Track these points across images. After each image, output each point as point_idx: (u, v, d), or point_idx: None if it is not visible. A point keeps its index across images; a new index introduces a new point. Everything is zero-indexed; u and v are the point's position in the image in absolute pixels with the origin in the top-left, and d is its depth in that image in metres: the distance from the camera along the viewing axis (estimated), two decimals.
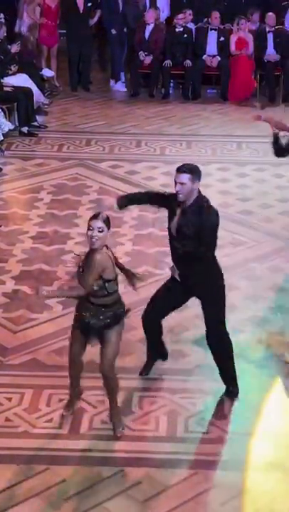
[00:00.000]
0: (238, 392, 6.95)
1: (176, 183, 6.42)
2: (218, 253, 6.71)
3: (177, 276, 6.74)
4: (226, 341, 6.86)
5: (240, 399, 6.95)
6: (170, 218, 6.61)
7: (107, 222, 6.13)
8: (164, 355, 7.40)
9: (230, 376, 6.96)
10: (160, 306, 6.99)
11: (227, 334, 6.86)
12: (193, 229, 6.42)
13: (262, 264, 9.27)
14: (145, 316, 7.06)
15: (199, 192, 6.49)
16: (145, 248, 9.65)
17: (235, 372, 6.95)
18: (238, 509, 5.80)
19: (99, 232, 6.05)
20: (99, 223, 6.07)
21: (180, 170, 6.43)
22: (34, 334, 7.89)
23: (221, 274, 6.73)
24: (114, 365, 6.36)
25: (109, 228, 6.15)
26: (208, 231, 6.47)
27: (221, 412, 6.82)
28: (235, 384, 6.98)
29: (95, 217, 6.14)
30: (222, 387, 6.98)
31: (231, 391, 6.96)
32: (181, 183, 6.37)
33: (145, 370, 7.27)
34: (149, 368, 7.29)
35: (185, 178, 6.37)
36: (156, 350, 7.31)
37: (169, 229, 6.63)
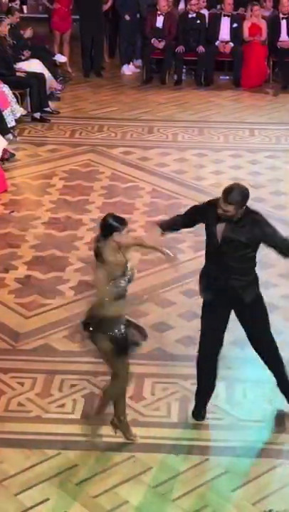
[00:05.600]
0: None
1: (220, 206, 5.96)
2: None
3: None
4: (277, 348, 6.48)
5: (253, 385, 6.96)
6: (210, 228, 6.15)
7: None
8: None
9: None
10: (212, 337, 6.35)
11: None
12: (247, 239, 6.06)
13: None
14: (201, 358, 6.43)
15: (246, 207, 6.04)
16: (157, 235, 9.60)
17: None
18: (249, 496, 5.81)
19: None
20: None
21: (226, 199, 5.91)
22: (46, 319, 7.90)
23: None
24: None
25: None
26: (271, 230, 6.19)
27: (232, 399, 6.82)
28: None
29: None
30: (234, 373, 6.98)
31: None
32: (224, 211, 5.94)
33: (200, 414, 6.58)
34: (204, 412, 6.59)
35: (230, 208, 5.91)
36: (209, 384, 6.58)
37: (211, 238, 6.15)
